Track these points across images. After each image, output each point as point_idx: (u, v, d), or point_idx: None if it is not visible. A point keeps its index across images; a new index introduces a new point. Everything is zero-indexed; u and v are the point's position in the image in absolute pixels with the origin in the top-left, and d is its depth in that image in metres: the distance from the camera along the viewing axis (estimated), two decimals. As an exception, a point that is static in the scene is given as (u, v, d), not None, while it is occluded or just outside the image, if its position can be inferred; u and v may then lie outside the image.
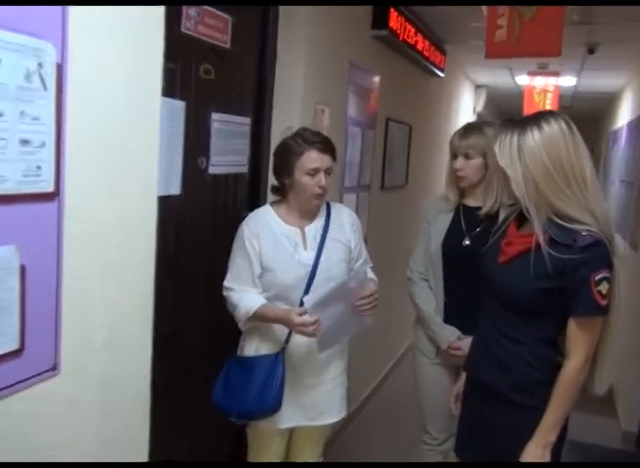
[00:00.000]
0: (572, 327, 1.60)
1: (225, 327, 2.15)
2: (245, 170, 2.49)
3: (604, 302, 1.56)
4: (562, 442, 1.65)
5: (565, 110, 6.57)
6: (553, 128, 1.59)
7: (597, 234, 1.55)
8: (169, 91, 1.94)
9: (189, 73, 2.06)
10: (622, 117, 6.66)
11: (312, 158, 1.98)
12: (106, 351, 1.46)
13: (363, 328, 2.13)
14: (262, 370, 1.98)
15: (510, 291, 1.68)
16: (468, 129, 2.34)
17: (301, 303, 1.96)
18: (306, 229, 2.08)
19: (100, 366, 1.44)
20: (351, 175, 3.26)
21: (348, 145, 3.16)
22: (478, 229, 2.32)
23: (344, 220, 2.17)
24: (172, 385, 2.09)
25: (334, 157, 2.06)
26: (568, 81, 6.53)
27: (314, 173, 1.98)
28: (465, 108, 7.03)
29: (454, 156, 2.35)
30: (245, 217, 2.13)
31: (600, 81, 6.55)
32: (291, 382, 2.02)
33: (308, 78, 2.62)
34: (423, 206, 2.54)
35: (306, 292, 2.00)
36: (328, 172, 2.02)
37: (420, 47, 4.08)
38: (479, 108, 7.76)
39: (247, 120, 2.45)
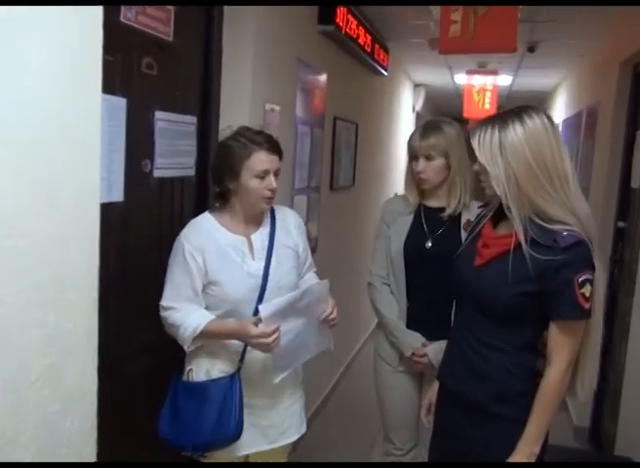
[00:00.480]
0: (554, 331, 1.54)
1: (179, 346, 1.97)
2: (192, 173, 2.32)
3: (587, 305, 1.50)
4: (544, 451, 1.58)
5: (499, 110, 6.67)
6: (536, 123, 1.51)
7: (578, 234, 1.49)
8: (108, 87, 1.76)
9: (130, 67, 1.88)
10: (557, 115, 6.83)
11: (261, 159, 1.83)
12: (46, 382, 1.27)
13: (323, 350, 1.99)
14: (218, 396, 1.81)
15: (488, 295, 1.59)
16: (427, 128, 2.25)
17: (256, 312, 1.80)
18: (253, 237, 1.92)
19: (39, 399, 1.25)
20: (301, 175, 3.13)
21: (298, 145, 3.03)
22: (440, 231, 2.24)
23: (290, 224, 2.03)
24: (119, 416, 1.89)
25: (281, 157, 1.92)
26: (505, 80, 6.63)
27: (264, 175, 1.84)
28: (406, 107, 7.03)
29: (414, 158, 2.26)
30: None
31: (535, 80, 6.68)
32: (248, 405, 1.86)
33: (257, 75, 2.47)
34: (382, 207, 2.44)
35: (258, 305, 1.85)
36: (277, 173, 1.89)
37: (364, 44, 4.00)
38: (418, 107, 7.79)
39: (193, 119, 2.28)
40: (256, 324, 1.74)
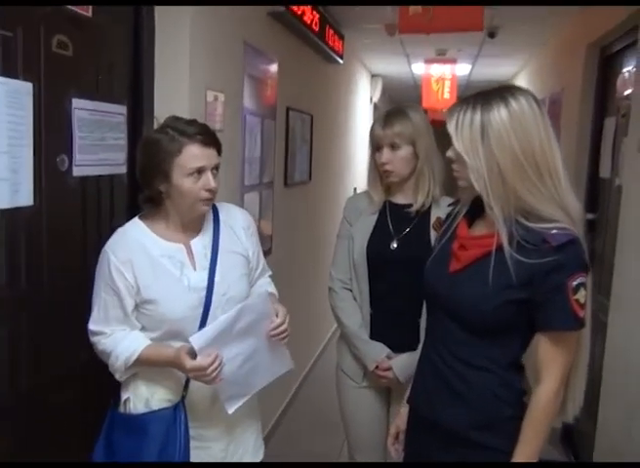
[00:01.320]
0: (543, 344, 1.32)
1: (107, 372, 1.68)
2: (123, 170, 2.01)
3: (582, 313, 1.29)
4: None
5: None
6: (522, 105, 1.29)
7: (571, 231, 1.27)
8: (6, 68, 1.46)
9: (36, 46, 1.56)
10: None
11: (194, 155, 1.53)
12: None
13: (283, 372, 1.73)
14: (159, 431, 1.56)
15: (467, 306, 1.35)
16: (391, 115, 2.00)
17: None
18: (192, 243, 1.64)
19: None
20: (252, 171, 2.85)
21: (247, 138, 2.75)
22: (407, 230, 2.01)
23: (237, 225, 1.74)
24: (43, 453, 1.63)
25: (219, 150, 1.62)
26: (463, 69, 6.46)
27: (199, 173, 1.55)
28: (363, 99, 6.81)
29: (377, 148, 2.01)
30: None
31: (494, 69, 6.54)
32: (197, 437, 1.62)
33: (196, 58, 2.18)
34: (345, 204, 2.19)
35: (203, 323, 1.58)
36: (215, 170, 1.59)
37: (318, 28, 3.73)
38: (376, 99, 7.57)
39: (121, 108, 1.97)
40: (190, 354, 1.49)
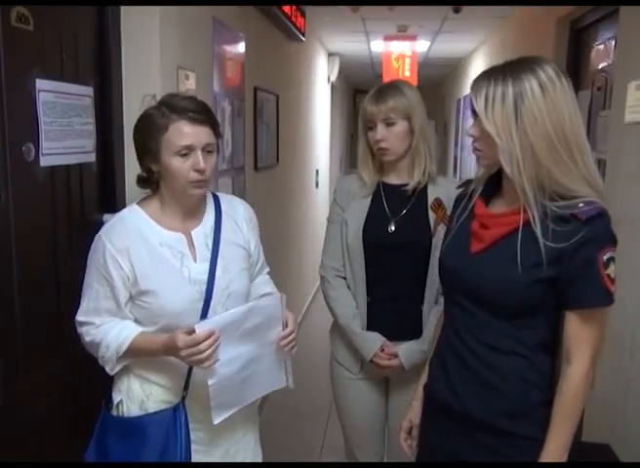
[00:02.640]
0: (574, 323, 1.25)
1: (100, 372, 1.53)
2: (92, 158, 1.84)
3: (614, 288, 1.22)
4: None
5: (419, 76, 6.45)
6: (552, 77, 1.21)
7: (598, 203, 1.21)
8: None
9: (-8, 18, 1.38)
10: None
11: (181, 132, 1.43)
12: None
13: (278, 386, 1.61)
14: (159, 432, 1.45)
15: (494, 287, 1.27)
16: (383, 90, 1.89)
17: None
18: (193, 233, 1.54)
19: None
20: (224, 155, 2.70)
21: (219, 119, 2.58)
22: (404, 212, 1.91)
23: (240, 216, 1.65)
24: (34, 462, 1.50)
25: (215, 130, 1.51)
26: (422, 46, 6.38)
27: (187, 152, 1.44)
28: (322, 78, 6.65)
29: (369, 127, 1.90)
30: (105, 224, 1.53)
31: (453, 45, 6.48)
32: (197, 440, 1.52)
33: (166, 35, 2.00)
34: (335, 186, 2.07)
35: (203, 318, 1.47)
36: (208, 149, 1.48)
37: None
38: (333, 78, 7.43)
39: (88, 90, 1.79)
40: (188, 333, 1.37)
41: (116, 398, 1.54)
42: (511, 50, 4.69)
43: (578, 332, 1.25)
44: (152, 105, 1.51)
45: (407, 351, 1.89)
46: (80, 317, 1.50)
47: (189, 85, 2.21)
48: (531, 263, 1.23)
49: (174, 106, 1.45)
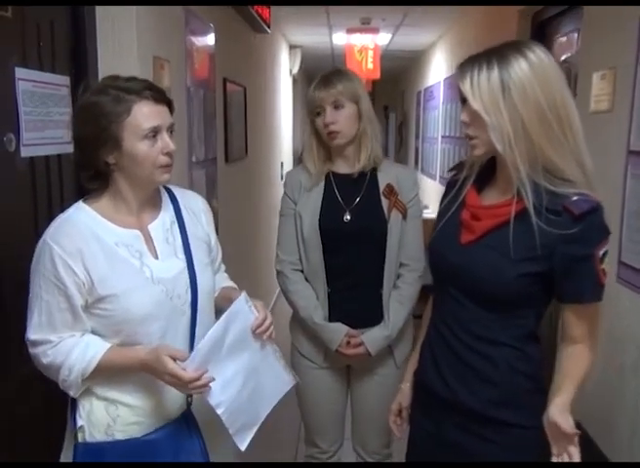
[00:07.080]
0: (571, 316, 1.28)
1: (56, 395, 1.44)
2: (70, 149, 1.79)
3: (605, 280, 1.25)
4: None
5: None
6: (541, 57, 1.22)
7: (592, 197, 1.21)
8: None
9: (-27, 5, 1.35)
10: (436, 74, 6.78)
11: (147, 113, 1.29)
12: None
13: (287, 387, 1.50)
14: (168, 449, 1.35)
15: (485, 279, 1.28)
16: (331, 75, 1.90)
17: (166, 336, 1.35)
18: (150, 228, 1.39)
19: None
20: (198, 147, 2.68)
21: (193, 111, 2.57)
22: (357, 200, 1.92)
23: (197, 208, 1.52)
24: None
25: (171, 108, 1.38)
26: (383, 39, 6.44)
27: (154, 134, 1.30)
28: (284, 71, 6.64)
29: (317, 113, 1.90)
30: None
31: (413, 38, 6.56)
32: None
33: (141, 24, 1.98)
34: (285, 181, 2.05)
35: (193, 324, 1.39)
36: (171, 130, 1.35)
37: (249, -5, 3.55)
38: (295, 71, 7.42)
39: (64, 79, 1.76)
40: (173, 358, 1.26)
41: (78, 422, 1.34)
42: (473, 42, 4.78)
43: (577, 325, 1.28)
44: (90, 93, 1.32)
45: (371, 338, 1.91)
46: (32, 335, 1.30)
47: (164, 75, 2.18)
48: (522, 255, 1.24)
49: (129, 88, 1.29)
